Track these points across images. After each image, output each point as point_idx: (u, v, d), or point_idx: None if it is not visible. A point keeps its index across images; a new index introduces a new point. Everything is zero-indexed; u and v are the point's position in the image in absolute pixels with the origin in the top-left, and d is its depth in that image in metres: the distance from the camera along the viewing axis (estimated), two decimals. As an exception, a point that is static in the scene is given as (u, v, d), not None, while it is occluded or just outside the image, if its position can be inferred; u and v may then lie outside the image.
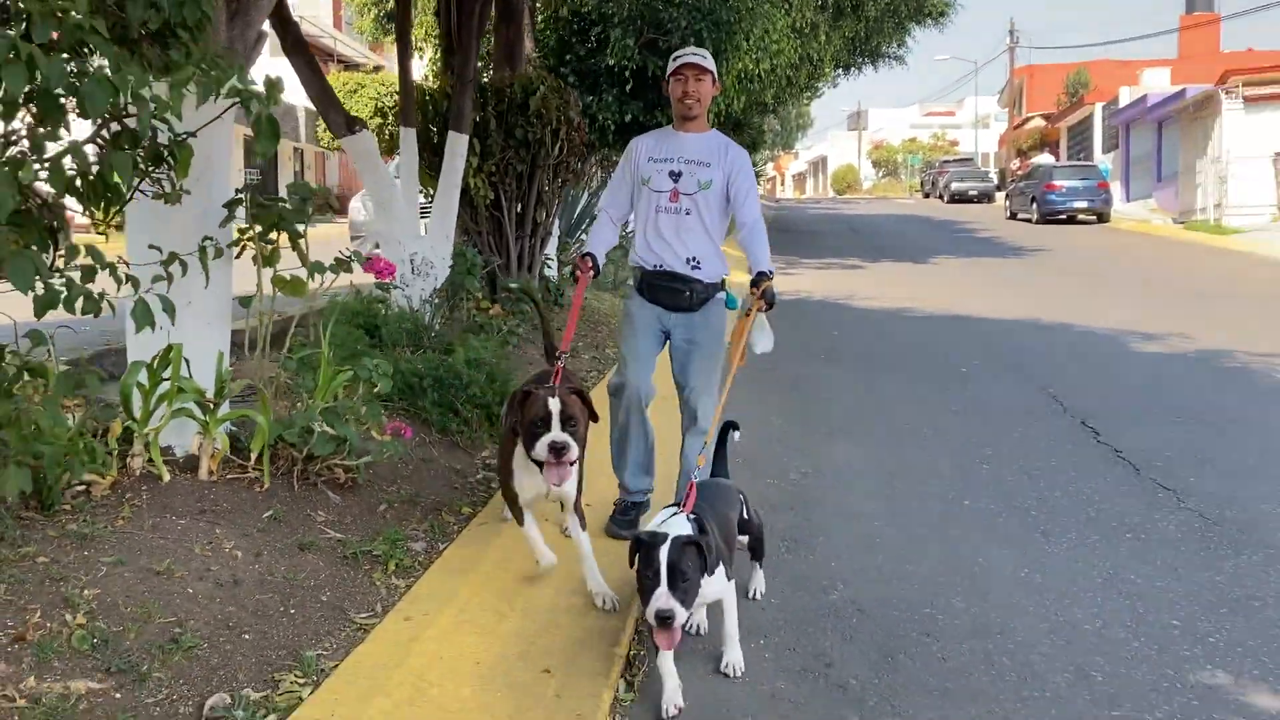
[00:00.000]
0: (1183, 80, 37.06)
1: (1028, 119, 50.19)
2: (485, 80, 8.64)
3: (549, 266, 9.41)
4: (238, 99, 2.83)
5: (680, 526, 3.04)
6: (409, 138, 7.45)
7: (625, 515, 4.40)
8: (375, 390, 4.27)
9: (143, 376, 3.66)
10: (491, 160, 8.21)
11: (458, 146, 7.50)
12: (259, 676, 2.85)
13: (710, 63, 4.28)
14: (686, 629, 3.35)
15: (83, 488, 3.53)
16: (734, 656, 3.29)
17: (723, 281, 4.36)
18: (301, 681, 2.86)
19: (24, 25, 2.35)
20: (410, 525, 4.16)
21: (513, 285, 7.54)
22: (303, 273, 4.10)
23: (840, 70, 25.03)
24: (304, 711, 2.70)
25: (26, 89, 2.35)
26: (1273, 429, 6.51)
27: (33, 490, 3.15)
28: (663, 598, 2.84)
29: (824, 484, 5.46)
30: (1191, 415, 6.84)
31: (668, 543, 2.91)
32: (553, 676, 3.06)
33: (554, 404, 3.45)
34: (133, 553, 3.18)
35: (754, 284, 4.06)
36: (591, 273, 4.25)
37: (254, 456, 3.92)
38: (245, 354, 4.38)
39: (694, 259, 4.26)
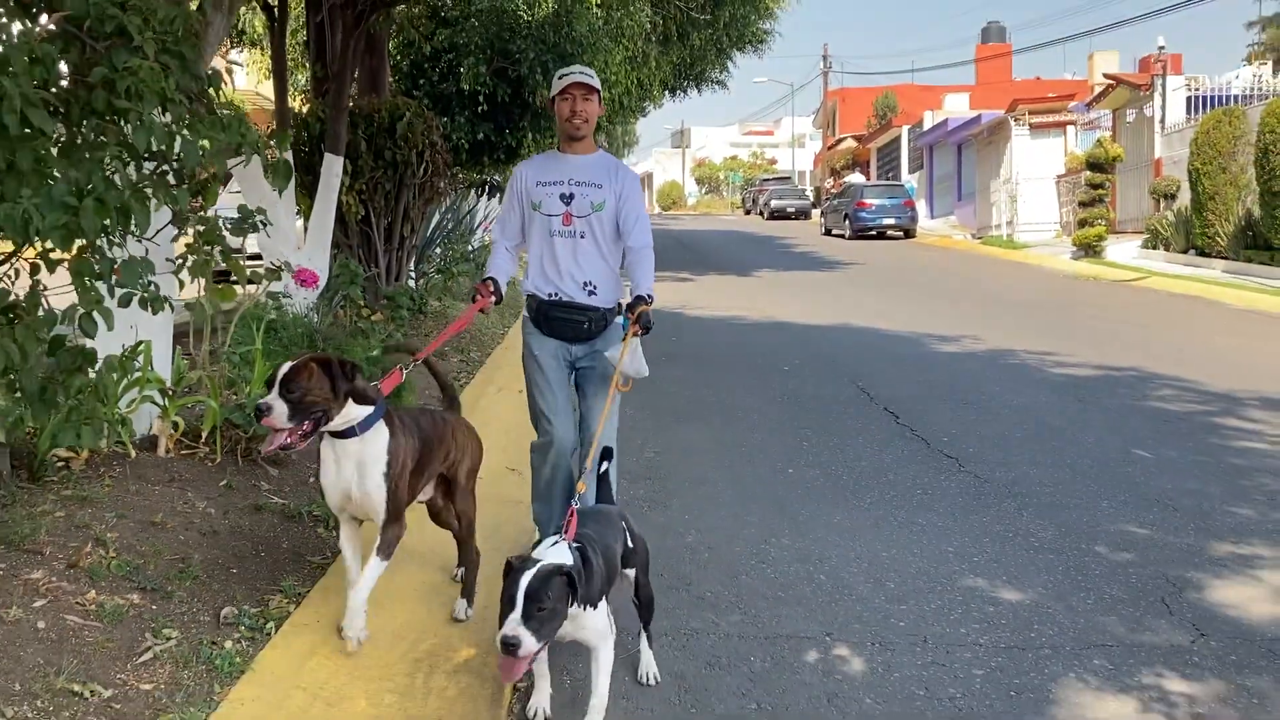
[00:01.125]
0: (980, 105, 40.24)
1: (841, 139, 53.08)
2: (352, 105, 9.34)
3: (411, 277, 10.14)
4: (252, 150, 3.58)
5: (560, 556, 2.88)
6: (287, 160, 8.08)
7: None
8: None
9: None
10: (362, 179, 8.92)
11: (334, 166, 8.20)
12: (252, 598, 3.61)
13: (597, 81, 4.18)
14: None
15: (62, 463, 4.17)
16: (597, 700, 3.02)
17: (619, 305, 4.24)
18: (286, 600, 3.64)
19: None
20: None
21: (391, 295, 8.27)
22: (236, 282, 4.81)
23: (668, 92, 26.42)
24: (296, 617, 3.49)
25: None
26: (1037, 411, 7.88)
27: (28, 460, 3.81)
28: (511, 624, 2.68)
29: (673, 459, 6.46)
30: (975, 402, 8.17)
31: (533, 569, 2.76)
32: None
33: (283, 368, 3.27)
34: (128, 510, 3.87)
35: (629, 308, 3.93)
36: (493, 298, 4.13)
37: (204, 436, 4.62)
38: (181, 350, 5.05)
39: (590, 284, 4.17)
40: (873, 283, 18.91)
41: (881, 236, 32.07)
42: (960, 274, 20.61)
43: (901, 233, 32.22)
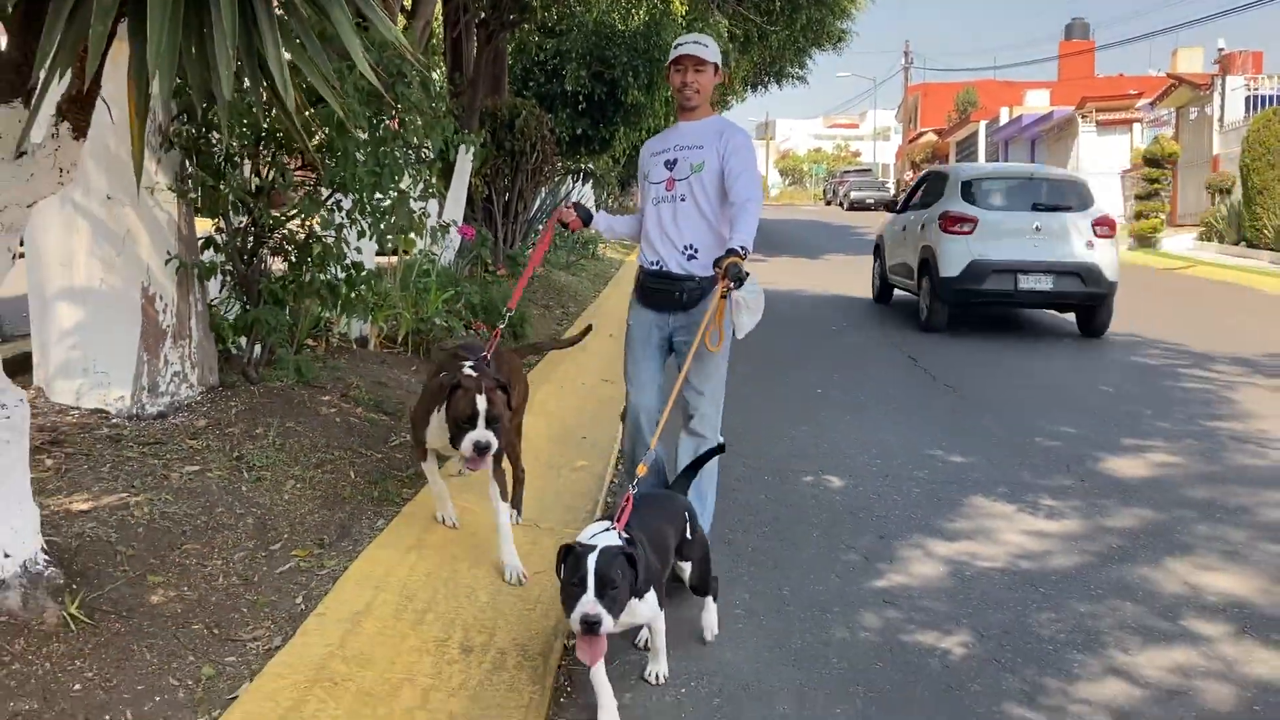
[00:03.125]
0: (1061, 101, 41.22)
1: (921, 133, 54.18)
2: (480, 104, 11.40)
3: (523, 245, 12.20)
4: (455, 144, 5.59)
5: (609, 542, 2.92)
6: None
7: None
8: (460, 304, 7.04)
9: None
10: (487, 165, 10.96)
11: (467, 155, 10.24)
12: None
13: (711, 53, 4.11)
14: (635, 642, 3.46)
15: (309, 348, 6.22)
16: (659, 666, 3.30)
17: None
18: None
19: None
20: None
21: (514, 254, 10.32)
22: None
23: (749, 88, 28.21)
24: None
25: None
26: (1037, 360, 9.62)
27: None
28: (589, 603, 2.76)
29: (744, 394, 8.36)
30: (986, 351, 9.94)
31: (596, 551, 2.84)
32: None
33: (481, 402, 3.59)
34: (360, 375, 5.90)
35: (716, 262, 3.78)
36: (574, 216, 4.35)
37: (400, 338, 6.66)
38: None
39: (691, 247, 4.15)
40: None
41: (954, 227, 33.36)
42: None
43: (973, 224, 33.42)
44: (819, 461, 6.06)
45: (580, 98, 13.91)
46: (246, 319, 4.89)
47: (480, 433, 3.59)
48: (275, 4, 2.67)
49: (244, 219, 4.85)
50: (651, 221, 4.26)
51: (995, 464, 6.07)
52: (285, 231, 4.93)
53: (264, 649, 3.04)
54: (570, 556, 2.88)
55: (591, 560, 2.81)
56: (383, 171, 4.70)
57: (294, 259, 5.03)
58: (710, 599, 3.59)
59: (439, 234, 6.95)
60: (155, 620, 3.09)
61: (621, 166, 21.45)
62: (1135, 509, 5.24)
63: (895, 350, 10.16)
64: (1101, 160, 29.58)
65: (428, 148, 5.34)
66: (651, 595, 3.03)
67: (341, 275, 5.27)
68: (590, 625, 2.77)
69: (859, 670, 3.48)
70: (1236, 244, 22.06)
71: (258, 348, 5.13)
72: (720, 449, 4.06)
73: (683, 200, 4.16)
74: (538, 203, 14.21)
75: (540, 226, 13.72)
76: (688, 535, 3.43)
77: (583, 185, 18.89)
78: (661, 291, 4.22)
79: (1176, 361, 9.60)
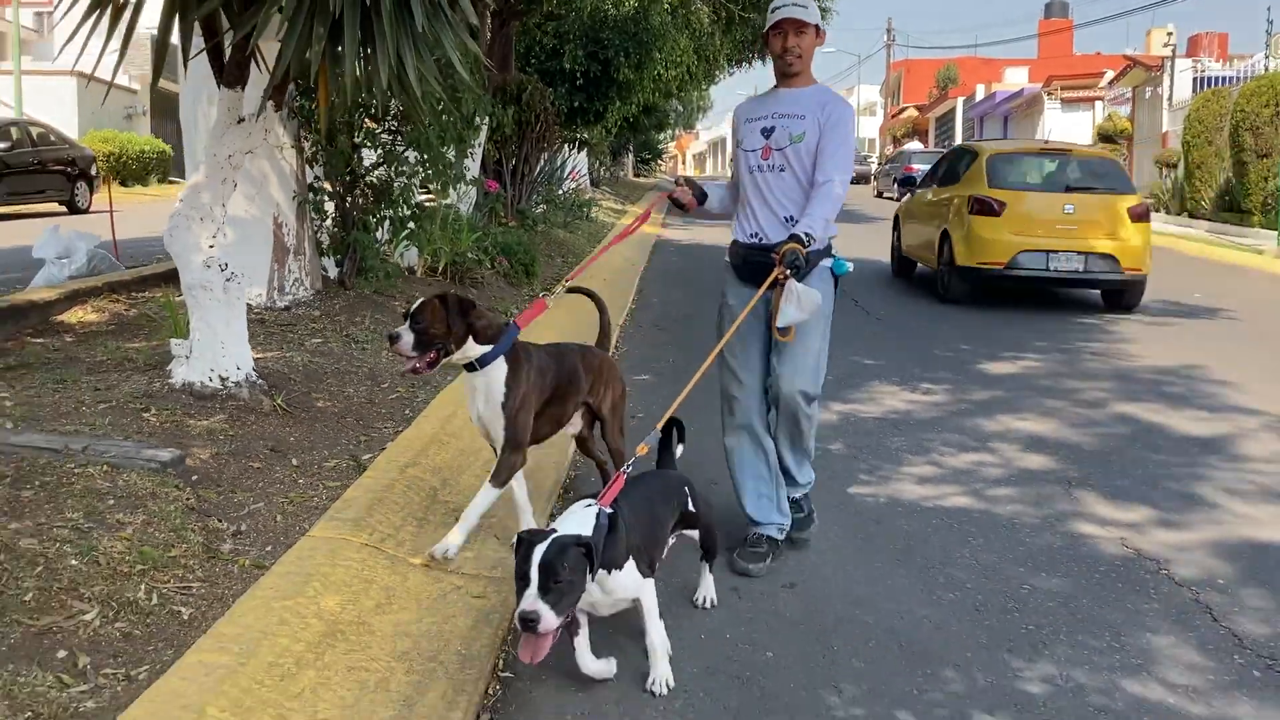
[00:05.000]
0: (1039, 78, 43.00)
1: (902, 109, 55.97)
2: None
3: (532, 205, 14.07)
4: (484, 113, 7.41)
5: (579, 524, 2.78)
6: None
7: (755, 548, 3.98)
8: (488, 242, 8.92)
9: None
10: (497, 133, 12.78)
11: (483, 125, 12.05)
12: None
13: (811, 14, 3.90)
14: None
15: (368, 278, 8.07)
16: (659, 671, 2.99)
17: (828, 247, 3.98)
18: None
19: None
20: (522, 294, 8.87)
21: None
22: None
23: (733, 65, 29.96)
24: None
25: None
26: (960, 304, 11.54)
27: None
28: (528, 599, 2.58)
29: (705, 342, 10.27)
30: (931, 305, 11.84)
31: (546, 542, 2.66)
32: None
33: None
34: (422, 292, 7.75)
35: (774, 248, 3.72)
36: (689, 193, 4.18)
37: (440, 268, 8.53)
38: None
39: (792, 218, 3.92)
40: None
41: (928, 199, 35.26)
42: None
43: (946, 195, 35.27)
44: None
45: (577, 75, 15.70)
46: (347, 241, 6.76)
47: (400, 328, 3.61)
48: (414, 33, 4.49)
49: (340, 168, 6.72)
50: (750, 191, 4.06)
51: (897, 365, 7.98)
52: (371, 178, 6.80)
53: (393, 431, 4.92)
54: (520, 546, 2.71)
55: (538, 552, 2.64)
56: (445, 136, 6.56)
57: (375, 199, 6.89)
58: (708, 567, 3.60)
59: (469, 187, 8.81)
60: (323, 416, 4.98)
61: (612, 137, 23.19)
62: (991, 390, 7.15)
63: (848, 300, 12.05)
64: (1066, 136, 31.42)
65: (477, 118, 7.19)
66: (630, 565, 2.90)
67: (408, 213, 7.13)
68: (527, 623, 2.60)
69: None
70: (1179, 214, 24.02)
71: (348, 263, 7.00)
72: (671, 431, 3.65)
73: (781, 170, 3.97)
74: (539, 166, 16.07)
75: (539, 188, 15.57)
76: (690, 508, 3.37)
77: (578, 153, 20.70)
78: (763, 264, 3.85)
79: (1084, 307, 11.51)
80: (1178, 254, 17.88)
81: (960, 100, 46.82)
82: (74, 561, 3.09)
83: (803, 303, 3.69)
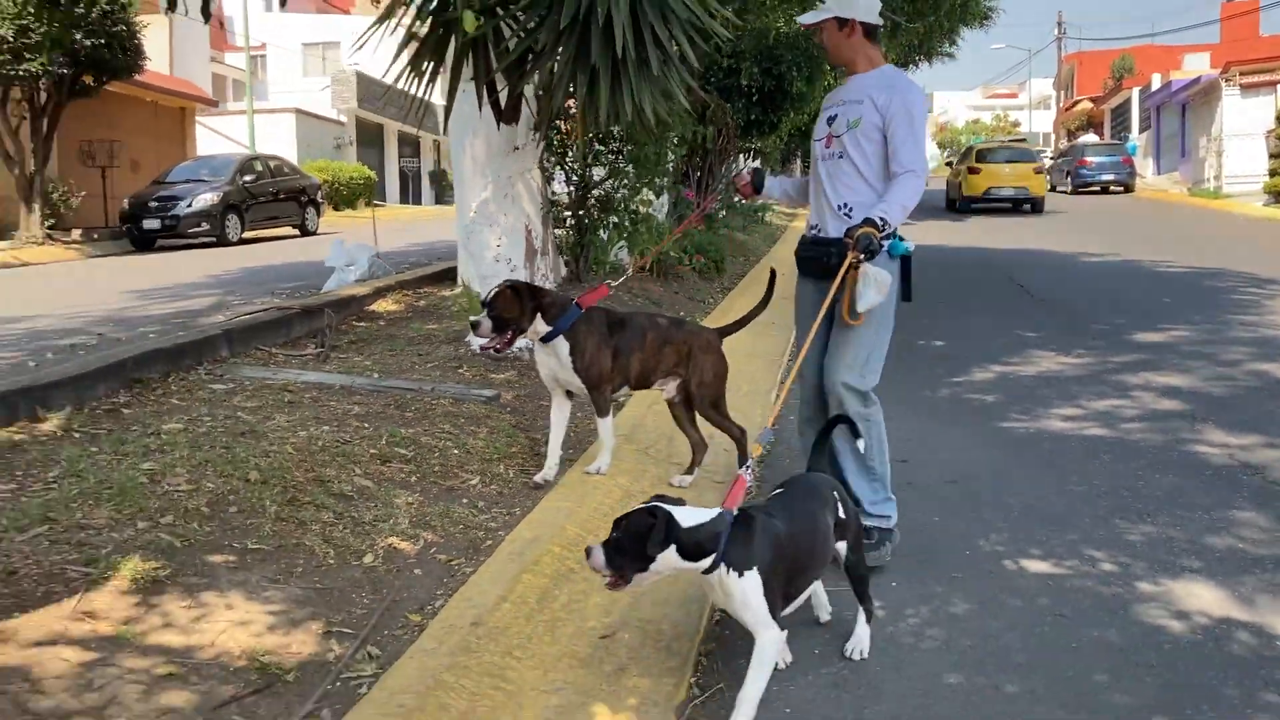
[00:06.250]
0: (1222, 64, 41.87)
1: (1076, 102, 54.99)
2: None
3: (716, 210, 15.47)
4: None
5: (698, 515, 2.80)
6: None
7: (866, 538, 3.74)
8: (685, 243, 10.34)
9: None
10: (685, 145, 14.23)
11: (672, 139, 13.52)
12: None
13: (815, 16, 4.05)
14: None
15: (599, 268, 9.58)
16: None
17: (891, 234, 3.85)
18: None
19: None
20: (714, 286, 10.28)
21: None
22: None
23: (901, 68, 30.71)
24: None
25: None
26: (1114, 283, 12.31)
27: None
28: (595, 546, 2.77)
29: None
30: (1073, 278, 12.68)
31: (643, 506, 2.81)
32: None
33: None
34: (636, 287, 9.22)
35: (848, 231, 3.69)
36: (749, 186, 4.42)
37: (648, 266, 9.99)
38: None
39: (846, 206, 3.92)
40: (1065, 223, 22.91)
41: (1105, 191, 35.12)
42: (1148, 217, 24.19)
43: (1121, 188, 35.10)
44: (936, 333, 9.10)
45: (753, 90, 17.03)
46: (581, 242, 8.30)
47: (480, 315, 4.28)
48: (650, 77, 5.90)
49: (578, 183, 8.26)
50: (814, 182, 4.11)
51: (1054, 336, 8.99)
52: (599, 190, 8.32)
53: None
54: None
55: (628, 513, 2.82)
56: (660, 153, 8.01)
57: (602, 208, 8.41)
58: (863, 618, 3.31)
59: (667, 195, 10.25)
60: (581, 373, 6.46)
61: (784, 144, 24.38)
62: (1139, 354, 8.10)
63: (1005, 279, 13.00)
64: (1245, 123, 30.82)
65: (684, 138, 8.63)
66: (754, 581, 2.79)
67: (627, 219, 8.62)
68: (587, 553, 2.80)
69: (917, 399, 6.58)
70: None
71: (580, 262, 8.54)
72: (840, 420, 3.76)
73: (840, 157, 3.96)
74: (721, 175, 17.48)
75: (718, 191, 16.94)
76: (840, 514, 3.19)
77: (750, 160, 22.05)
78: (814, 259, 4.01)
79: (1247, 287, 12.11)
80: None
81: (1136, 91, 45.88)
82: (455, 451, 4.63)
83: (879, 282, 3.71)
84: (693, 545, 2.75)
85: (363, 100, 34.53)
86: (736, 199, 19.24)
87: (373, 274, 9.43)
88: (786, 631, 2.91)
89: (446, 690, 2.74)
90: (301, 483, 3.86)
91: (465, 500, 4.19)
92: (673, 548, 2.74)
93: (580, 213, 8.40)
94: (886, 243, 3.77)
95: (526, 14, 5.70)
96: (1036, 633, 3.44)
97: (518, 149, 6.33)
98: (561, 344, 4.35)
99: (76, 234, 19.46)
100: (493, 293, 4.25)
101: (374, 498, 3.95)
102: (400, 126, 37.53)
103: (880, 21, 4.03)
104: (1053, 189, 37.83)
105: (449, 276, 8.44)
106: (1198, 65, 44.94)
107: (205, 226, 19.10)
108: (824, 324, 3.97)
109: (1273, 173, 26.03)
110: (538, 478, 4.46)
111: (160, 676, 2.62)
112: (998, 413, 6.38)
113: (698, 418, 4.76)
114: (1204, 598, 3.68)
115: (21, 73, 16.69)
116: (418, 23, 5.81)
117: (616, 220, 8.41)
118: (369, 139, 36.67)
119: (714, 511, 2.84)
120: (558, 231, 8.71)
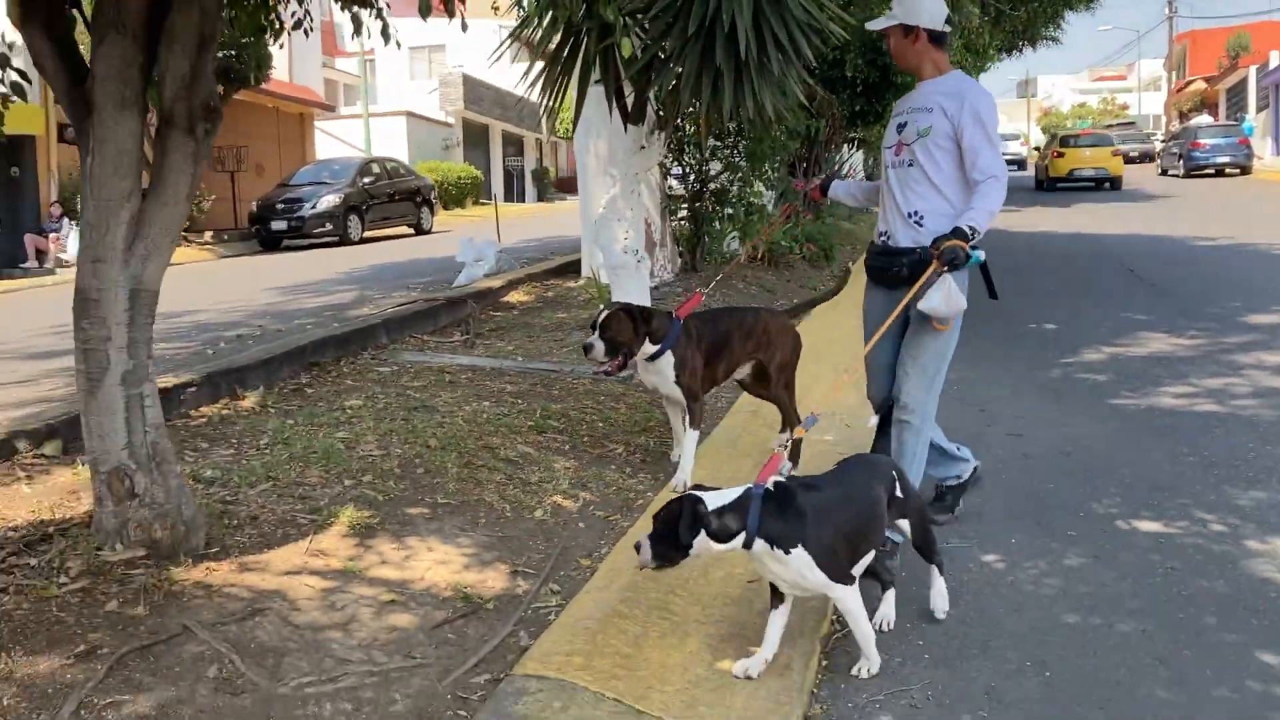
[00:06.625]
0: (1349, 39, 40.36)
1: (1189, 82, 53.42)
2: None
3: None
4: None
5: (725, 496, 2.93)
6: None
7: (940, 500, 4.37)
8: (796, 232, 10.68)
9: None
10: (796, 139, 14.53)
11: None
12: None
13: (884, 21, 4.00)
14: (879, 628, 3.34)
15: (718, 258, 9.97)
16: (867, 660, 3.15)
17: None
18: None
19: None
20: (824, 274, 10.60)
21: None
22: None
23: (1004, 53, 30.40)
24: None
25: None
26: (1230, 267, 12.26)
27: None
28: (644, 544, 2.91)
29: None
30: (1187, 263, 12.66)
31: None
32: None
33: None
34: (750, 275, 9.58)
35: (935, 241, 3.66)
36: (818, 190, 4.65)
37: (758, 254, 10.35)
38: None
39: (917, 214, 3.93)
40: (1178, 208, 22.52)
41: (1220, 174, 34.15)
42: (1266, 199, 23.59)
43: (1238, 170, 34.06)
44: (1047, 317, 9.28)
45: (857, 80, 17.23)
46: (697, 233, 8.71)
47: (592, 338, 4.36)
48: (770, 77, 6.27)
49: (694, 177, 8.67)
50: (885, 189, 4.11)
51: (1167, 319, 9.10)
52: (715, 185, 8.72)
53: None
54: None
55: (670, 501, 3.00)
56: (775, 147, 8.38)
57: (716, 201, 8.81)
58: (936, 570, 3.50)
59: (779, 186, 10.60)
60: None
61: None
62: (1252, 335, 8.19)
63: (1116, 264, 13.02)
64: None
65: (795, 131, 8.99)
66: (804, 555, 2.90)
67: (742, 211, 9.00)
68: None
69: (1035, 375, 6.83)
70: None
71: (696, 252, 8.96)
72: (903, 407, 3.96)
73: (910, 165, 3.96)
74: (827, 165, 17.72)
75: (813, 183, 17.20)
76: (898, 493, 3.32)
77: (852, 150, 22.22)
78: (884, 269, 4.04)
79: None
80: None
81: (1253, 69, 44.41)
82: (600, 424, 5.09)
83: (950, 300, 3.71)
84: (720, 526, 2.87)
85: (469, 102, 35.49)
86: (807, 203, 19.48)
87: (499, 268, 9.98)
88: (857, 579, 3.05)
89: (621, 618, 3.18)
90: (474, 449, 4.36)
91: (614, 466, 4.65)
92: (703, 532, 2.87)
93: (697, 205, 8.80)
94: (975, 253, 3.68)
95: (653, 23, 6.12)
96: (1148, 583, 3.74)
97: (643, 148, 6.75)
98: (667, 361, 4.42)
99: (208, 235, 20.59)
100: (604, 314, 4.32)
101: (536, 462, 4.44)
102: (505, 126, 38.44)
103: (947, 29, 4.01)
104: (1164, 173, 37.04)
105: (570, 269, 8.96)
106: (1321, 40, 43.39)
107: (328, 227, 20.05)
108: (893, 333, 3.98)
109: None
110: (674, 455, 4.72)
111: (385, 602, 3.11)
112: (1110, 391, 6.60)
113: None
114: (1310, 553, 3.93)
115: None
116: (552, 35, 6.28)
117: (731, 212, 8.79)
118: (475, 139, 37.64)
119: (740, 490, 2.95)
120: (673, 224, 9.15)
